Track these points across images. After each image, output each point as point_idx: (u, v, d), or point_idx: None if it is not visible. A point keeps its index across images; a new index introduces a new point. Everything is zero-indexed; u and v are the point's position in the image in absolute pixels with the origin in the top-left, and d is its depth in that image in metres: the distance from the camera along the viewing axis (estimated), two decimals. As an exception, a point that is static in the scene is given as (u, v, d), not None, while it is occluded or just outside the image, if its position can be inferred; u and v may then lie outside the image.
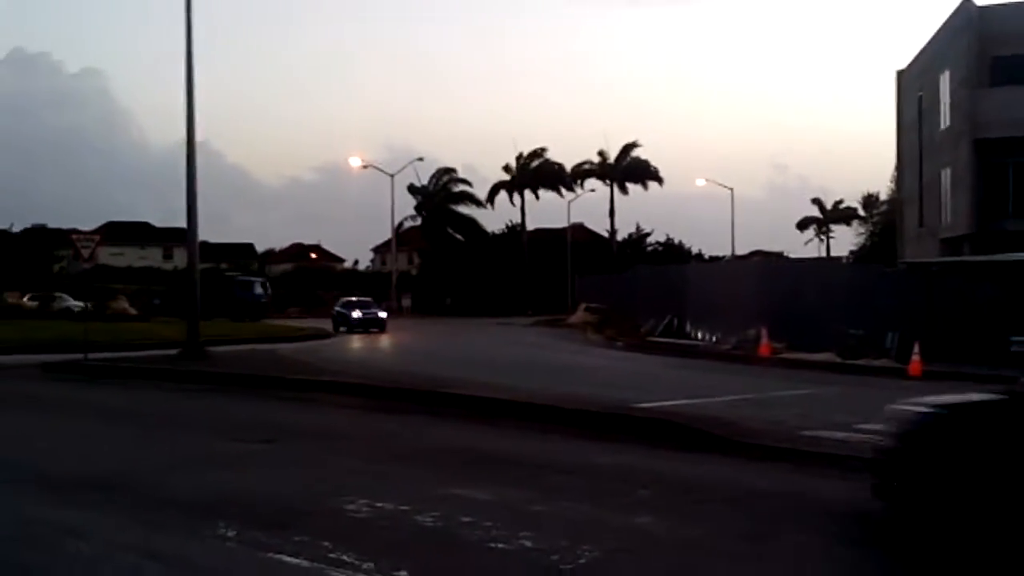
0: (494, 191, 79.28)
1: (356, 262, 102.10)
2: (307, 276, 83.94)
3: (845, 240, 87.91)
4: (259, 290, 57.50)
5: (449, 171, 78.74)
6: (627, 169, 78.17)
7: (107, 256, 65.96)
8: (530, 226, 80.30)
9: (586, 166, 79.09)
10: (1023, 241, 27.99)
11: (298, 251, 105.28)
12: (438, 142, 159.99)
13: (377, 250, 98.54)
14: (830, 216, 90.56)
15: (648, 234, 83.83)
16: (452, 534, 7.41)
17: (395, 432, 13.19)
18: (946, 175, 35.75)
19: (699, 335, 34.22)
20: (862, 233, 78.02)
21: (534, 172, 78.45)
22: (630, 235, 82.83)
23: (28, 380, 20.72)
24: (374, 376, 19.94)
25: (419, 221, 78.07)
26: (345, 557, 6.64)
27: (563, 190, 78.28)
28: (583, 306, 52.92)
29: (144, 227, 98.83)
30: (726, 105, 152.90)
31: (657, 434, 12.41)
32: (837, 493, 9.07)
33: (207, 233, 62.28)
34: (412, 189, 75.68)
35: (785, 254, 79.87)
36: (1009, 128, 31.76)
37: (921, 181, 39.55)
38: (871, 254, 60.00)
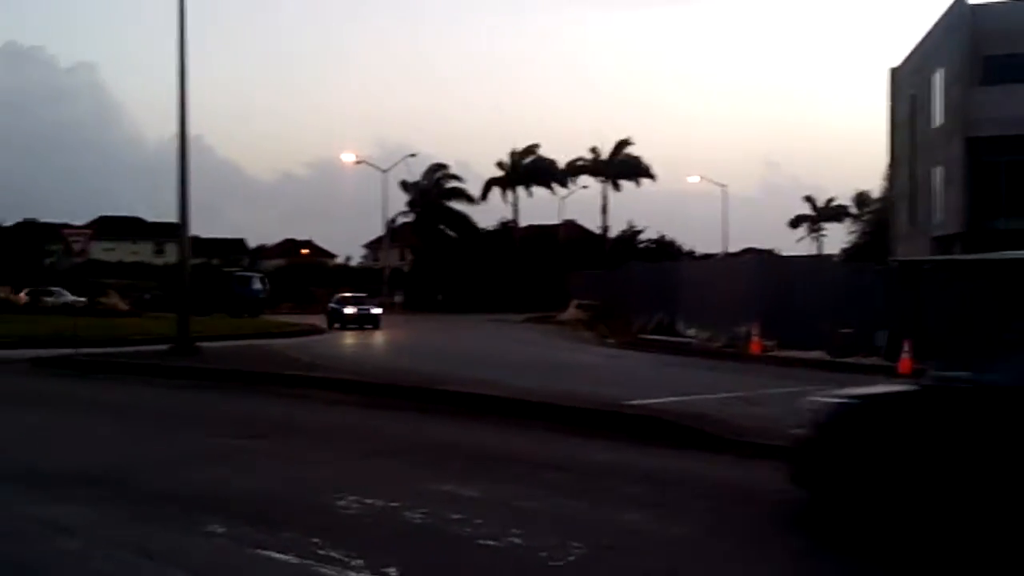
0: (487, 187, 79.27)
1: (348, 258, 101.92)
2: (299, 272, 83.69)
3: (837, 238, 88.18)
4: (257, 286, 57.39)
5: (442, 167, 78.69)
6: (620, 166, 78.23)
7: (99, 251, 65.72)
8: (523, 223, 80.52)
9: (579, 163, 79.19)
10: (1015, 240, 28.00)
11: (290, 247, 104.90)
12: (431, 138, 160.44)
13: (369, 246, 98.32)
14: (822, 214, 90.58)
15: (641, 231, 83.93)
16: (442, 531, 7.41)
17: (387, 428, 13.19)
18: (938, 173, 35.84)
19: (691, 333, 34.25)
20: (854, 231, 78.16)
21: (527, 168, 78.48)
22: (623, 232, 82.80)
23: (17, 375, 20.65)
24: (367, 372, 19.95)
25: (412, 217, 77.93)
26: (334, 553, 6.64)
27: (556, 187, 78.61)
28: (575, 303, 52.72)
29: (136, 222, 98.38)
30: (719, 103, 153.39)
31: (648, 431, 12.42)
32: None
33: (198, 228, 62.40)
34: (405, 185, 75.62)
35: (776, 252, 80.00)
36: (1001, 126, 31.88)
37: (913, 179, 39.66)
38: (863, 252, 59.99)
